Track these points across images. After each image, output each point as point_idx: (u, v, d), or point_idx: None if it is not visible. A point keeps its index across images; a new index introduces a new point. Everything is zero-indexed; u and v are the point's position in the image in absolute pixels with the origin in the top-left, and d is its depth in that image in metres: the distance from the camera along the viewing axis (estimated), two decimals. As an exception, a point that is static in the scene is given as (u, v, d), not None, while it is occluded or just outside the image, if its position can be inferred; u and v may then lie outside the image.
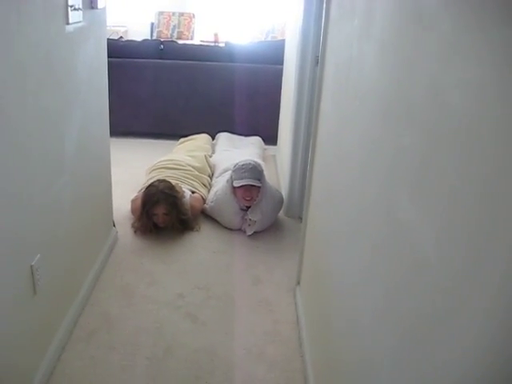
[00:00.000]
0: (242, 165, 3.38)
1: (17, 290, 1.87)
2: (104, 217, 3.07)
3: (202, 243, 3.31)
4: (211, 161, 4.28)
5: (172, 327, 2.51)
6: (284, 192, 3.77)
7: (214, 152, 4.61)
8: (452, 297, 0.87)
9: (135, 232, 3.37)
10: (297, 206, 3.58)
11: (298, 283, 2.75)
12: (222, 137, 4.97)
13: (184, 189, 3.55)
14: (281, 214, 3.68)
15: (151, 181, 3.48)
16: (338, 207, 1.89)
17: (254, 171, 3.36)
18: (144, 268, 2.98)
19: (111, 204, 3.22)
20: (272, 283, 2.92)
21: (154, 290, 2.77)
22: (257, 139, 4.97)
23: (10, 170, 1.75)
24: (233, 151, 4.47)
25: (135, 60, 5.14)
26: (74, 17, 2.23)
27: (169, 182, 3.42)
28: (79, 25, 2.34)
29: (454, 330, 0.85)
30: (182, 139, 4.79)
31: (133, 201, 3.54)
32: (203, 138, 4.85)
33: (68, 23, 2.18)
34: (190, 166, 3.90)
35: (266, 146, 5.03)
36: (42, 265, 2.02)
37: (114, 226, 3.28)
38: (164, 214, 3.29)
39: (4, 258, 1.74)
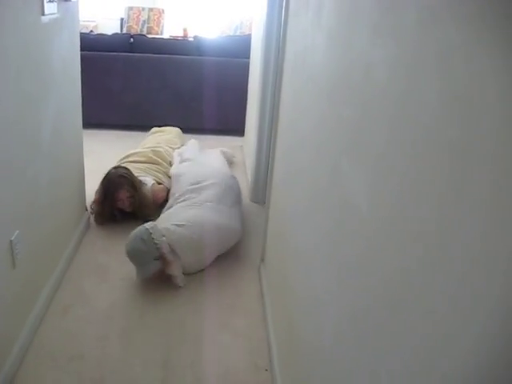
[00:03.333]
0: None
1: (-2, 263, 2.01)
2: (77, 200, 3.21)
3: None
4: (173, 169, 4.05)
5: (144, 301, 2.67)
6: (250, 179, 3.95)
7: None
8: (378, 239, 1.05)
9: (95, 219, 3.45)
10: (262, 191, 3.75)
11: (263, 260, 2.93)
12: (190, 146, 4.57)
13: (147, 178, 3.66)
14: (247, 200, 3.86)
15: None
16: (295, 183, 2.07)
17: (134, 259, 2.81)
18: (116, 249, 3.12)
19: (84, 189, 3.36)
20: (238, 261, 3.10)
21: (126, 268, 2.92)
22: (220, 152, 4.53)
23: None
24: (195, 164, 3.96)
25: (106, 53, 5.26)
26: (49, 8, 2.37)
27: (124, 167, 3.51)
28: (54, 16, 2.48)
29: (376, 264, 1.03)
30: (154, 129, 4.89)
31: (97, 192, 3.56)
32: (173, 131, 4.89)
33: (44, 14, 2.32)
34: (154, 157, 4.02)
35: (235, 138, 5.21)
36: (21, 240, 2.16)
37: (87, 210, 3.42)
38: (128, 197, 3.38)
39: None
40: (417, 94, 0.89)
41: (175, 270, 2.79)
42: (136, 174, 3.57)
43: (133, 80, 5.38)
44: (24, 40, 2.14)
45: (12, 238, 2.08)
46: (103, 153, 4.50)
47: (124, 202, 3.41)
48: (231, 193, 3.39)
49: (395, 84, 1.00)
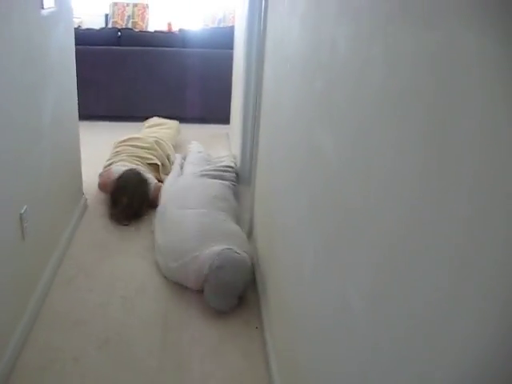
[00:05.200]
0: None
1: (8, 235, 2.21)
2: (75, 182, 3.43)
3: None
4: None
5: (142, 272, 2.90)
6: (237, 163, 4.18)
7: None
8: (342, 179, 1.29)
9: (112, 220, 3.46)
10: (248, 173, 3.97)
11: (250, 235, 3.16)
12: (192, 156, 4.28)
13: (150, 175, 3.76)
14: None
15: (117, 158, 3.82)
16: (277, 156, 2.30)
17: None
18: (113, 228, 3.34)
19: (81, 172, 3.57)
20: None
21: (125, 244, 3.14)
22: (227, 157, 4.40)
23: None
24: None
25: (94, 47, 5.44)
26: (48, 2, 2.58)
27: (140, 175, 3.56)
28: (51, 10, 2.68)
29: (339, 195, 1.27)
30: (153, 119, 4.98)
31: (101, 175, 3.76)
32: (174, 126, 4.93)
33: (43, 8, 2.52)
34: (156, 146, 4.12)
35: (220, 126, 5.44)
36: (29, 215, 2.37)
37: (83, 194, 3.63)
38: (126, 206, 3.44)
39: (-1, 208, 2.09)
40: (371, 63, 1.12)
41: None
42: (135, 163, 3.76)
43: (121, 72, 5.58)
44: (26, 32, 2.34)
45: (21, 212, 2.30)
46: (94, 143, 4.68)
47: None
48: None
49: (354, 56, 1.23)
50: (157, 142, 4.19)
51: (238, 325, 2.54)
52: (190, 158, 4.17)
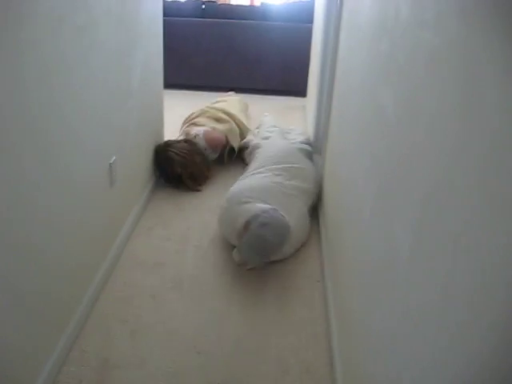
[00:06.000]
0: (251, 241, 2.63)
1: (100, 181, 2.48)
2: (157, 142, 3.68)
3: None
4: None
5: (213, 226, 3.12)
6: (310, 134, 4.32)
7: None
8: (399, 133, 1.43)
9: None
10: (321, 141, 4.11)
11: (321, 200, 3.32)
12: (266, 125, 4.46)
13: (200, 128, 3.91)
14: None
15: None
16: (346, 120, 2.45)
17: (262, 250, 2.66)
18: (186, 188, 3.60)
19: (163, 133, 3.85)
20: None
21: (198, 201, 3.38)
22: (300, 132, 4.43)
23: (95, 93, 2.34)
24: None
25: (179, 19, 5.70)
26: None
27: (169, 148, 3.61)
28: (141, -21, 2.91)
29: (395, 147, 1.41)
30: (218, 98, 5.06)
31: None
32: (235, 100, 4.98)
33: (136, -24, 2.75)
34: (224, 116, 4.21)
35: (298, 99, 5.59)
36: (117, 165, 2.63)
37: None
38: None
39: (93, 157, 2.34)
40: (425, 25, 1.25)
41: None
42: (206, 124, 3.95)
43: (203, 44, 5.82)
44: (119, 2, 2.57)
45: (111, 162, 2.56)
46: (174, 110, 4.94)
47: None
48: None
49: (412, 19, 1.36)
50: (224, 112, 4.29)
51: (300, 277, 2.72)
52: (265, 129, 4.28)
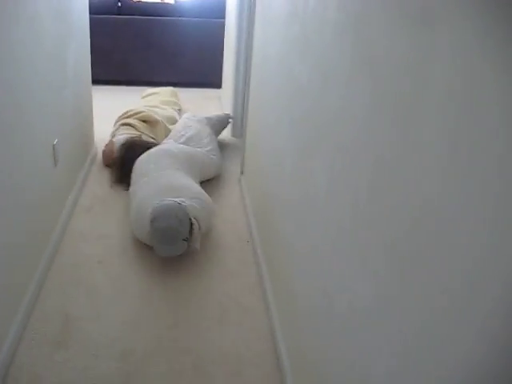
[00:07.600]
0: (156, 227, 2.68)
1: (44, 161, 2.71)
2: (89, 130, 3.94)
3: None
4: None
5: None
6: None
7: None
8: (312, 100, 1.80)
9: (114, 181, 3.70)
10: (239, 127, 4.48)
11: (242, 173, 3.69)
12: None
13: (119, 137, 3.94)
14: (228, 135, 4.60)
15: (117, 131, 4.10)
16: (266, 99, 2.82)
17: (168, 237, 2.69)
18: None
19: (92, 122, 4.10)
20: (222, 177, 3.87)
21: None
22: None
23: (40, 81, 2.58)
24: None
25: (96, 16, 5.88)
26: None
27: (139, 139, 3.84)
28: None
29: (311, 114, 1.79)
30: (148, 90, 5.35)
31: (104, 150, 3.94)
32: (167, 91, 5.26)
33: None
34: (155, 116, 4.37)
35: (213, 90, 5.97)
36: (59, 147, 2.87)
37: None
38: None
39: (38, 139, 2.56)
40: (328, 6, 1.63)
41: (198, 243, 2.76)
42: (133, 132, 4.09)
43: (121, 40, 6.05)
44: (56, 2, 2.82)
45: (54, 143, 2.80)
46: (99, 104, 5.14)
47: None
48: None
49: (318, 4, 1.74)
50: (150, 111, 4.43)
51: (231, 239, 3.08)
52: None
